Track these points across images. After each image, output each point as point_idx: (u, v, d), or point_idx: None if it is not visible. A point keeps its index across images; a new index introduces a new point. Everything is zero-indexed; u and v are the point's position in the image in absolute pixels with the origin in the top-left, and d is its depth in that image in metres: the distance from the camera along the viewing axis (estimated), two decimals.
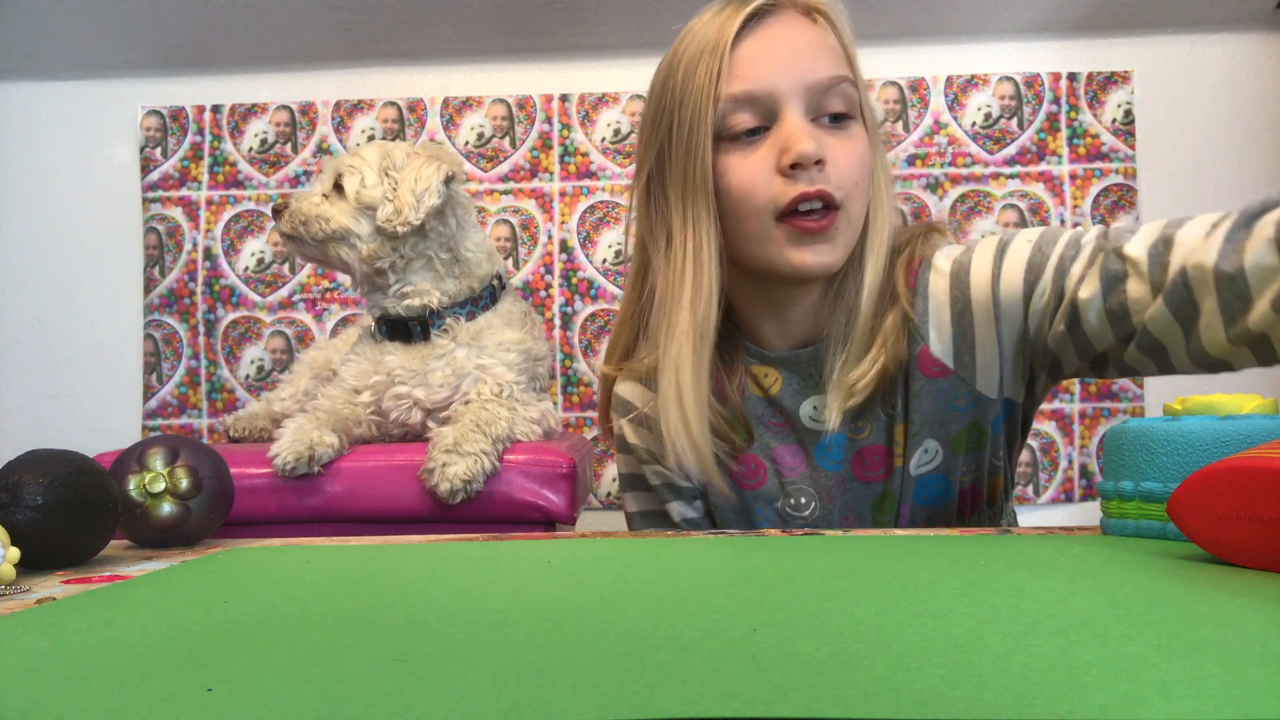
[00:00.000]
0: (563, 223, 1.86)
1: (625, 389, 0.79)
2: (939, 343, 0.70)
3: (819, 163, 0.64)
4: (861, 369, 0.69)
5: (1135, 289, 0.60)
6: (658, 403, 0.71)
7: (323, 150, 1.89)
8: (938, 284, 0.70)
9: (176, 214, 1.89)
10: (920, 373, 0.70)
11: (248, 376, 1.87)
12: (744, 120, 0.65)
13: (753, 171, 0.65)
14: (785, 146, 0.64)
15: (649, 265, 0.73)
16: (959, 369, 0.69)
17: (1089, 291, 0.62)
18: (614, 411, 0.80)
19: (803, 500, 0.73)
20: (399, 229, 1.15)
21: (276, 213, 1.23)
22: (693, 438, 0.68)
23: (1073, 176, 1.82)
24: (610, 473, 1.81)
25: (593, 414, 1.82)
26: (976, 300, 0.68)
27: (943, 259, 0.71)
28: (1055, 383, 0.72)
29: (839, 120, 0.66)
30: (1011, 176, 1.82)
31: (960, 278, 0.69)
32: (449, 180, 1.19)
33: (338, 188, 1.20)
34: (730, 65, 0.65)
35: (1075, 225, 1.81)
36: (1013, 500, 0.79)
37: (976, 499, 0.73)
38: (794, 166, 0.64)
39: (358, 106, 1.89)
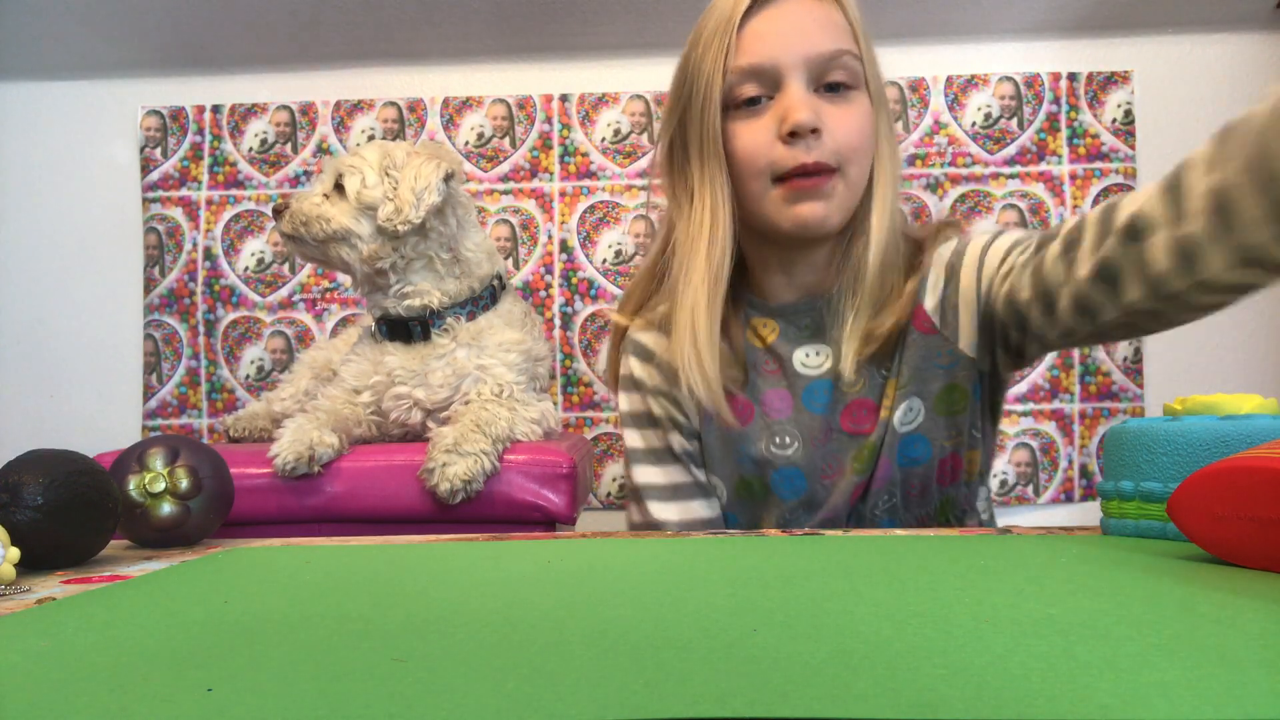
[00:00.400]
0: (563, 223, 1.85)
1: (642, 335, 0.85)
2: (931, 299, 0.76)
3: (815, 131, 0.69)
4: (881, 319, 0.74)
5: (1055, 246, 0.64)
6: (673, 339, 0.76)
7: (323, 150, 1.89)
8: (944, 252, 0.77)
9: (176, 214, 1.89)
10: (914, 327, 0.75)
11: (248, 376, 1.87)
12: (748, 90, 0.71)
13: (756, 138, 0.71)
14: (784, 116, 0.69)
15: (673, 224, 0.79)
16: (943, 327, 0.75)
17: (1028, 253, 0.68)
18: (625, 353, 0.85)
19: (787, 440, 0.78)
20: (400, 228, 1.15)
21: (277, 213, 1.23)
22: (705, 370, 0.74)
23: (1073, 176, 1.81)
24: (610, 473, 1.81)
25: (593, 414, 1.82)
26: (968, 260, 0.75)
27: (956, 240, 0.78)
28: (1011, 361, 0.77)
29: (839, 90, 0.71)
30: (1011, 176, 1.82)
31: (960, 247, 0.76)
32: (449, 178, 1.19)
33: (338, 188, 1.20)
34: (739, 41, 0.70)
35: None
36: (989, 485, 0.83)
37: (956, 469, 0.77)
38: (792, 135, 0.69)
39: (358, 106, 1.89)
